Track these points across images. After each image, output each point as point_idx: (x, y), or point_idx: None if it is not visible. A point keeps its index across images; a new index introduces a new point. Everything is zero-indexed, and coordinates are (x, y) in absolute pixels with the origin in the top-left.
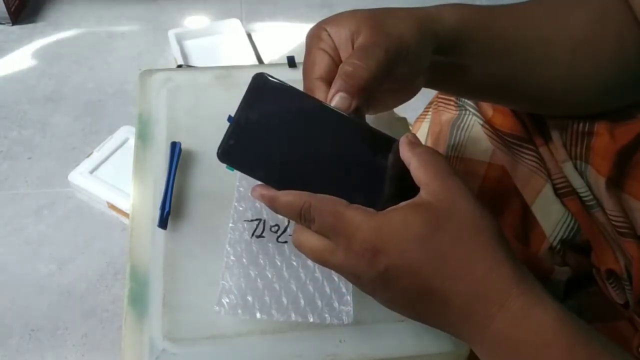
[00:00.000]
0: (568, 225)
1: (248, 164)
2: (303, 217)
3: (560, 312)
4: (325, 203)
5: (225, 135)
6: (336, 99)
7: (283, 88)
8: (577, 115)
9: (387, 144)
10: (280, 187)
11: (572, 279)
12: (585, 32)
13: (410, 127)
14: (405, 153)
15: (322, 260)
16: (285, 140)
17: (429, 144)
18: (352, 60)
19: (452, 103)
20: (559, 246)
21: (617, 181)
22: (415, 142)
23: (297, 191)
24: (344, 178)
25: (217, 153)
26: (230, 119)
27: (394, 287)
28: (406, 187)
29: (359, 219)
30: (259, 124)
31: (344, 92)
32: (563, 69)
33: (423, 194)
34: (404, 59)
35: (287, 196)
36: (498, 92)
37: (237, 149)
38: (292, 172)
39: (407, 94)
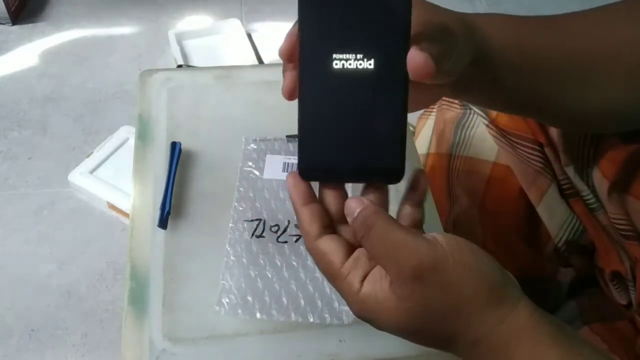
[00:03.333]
0: (573, 227)
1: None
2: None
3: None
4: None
5: None
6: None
7: None
8: (607, 131)
9: None
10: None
11: (574, 280)
12: (635, 55)
13: (412, 129)
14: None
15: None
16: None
17: (433, 141)
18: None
19: (455, 102)
20: (563, 247)
21: (623, 184)
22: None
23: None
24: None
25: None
26: None
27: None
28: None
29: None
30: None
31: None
32: (600, 94)
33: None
34: (451, 55)
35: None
36: (526, 107)
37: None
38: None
39: (433, 97)
